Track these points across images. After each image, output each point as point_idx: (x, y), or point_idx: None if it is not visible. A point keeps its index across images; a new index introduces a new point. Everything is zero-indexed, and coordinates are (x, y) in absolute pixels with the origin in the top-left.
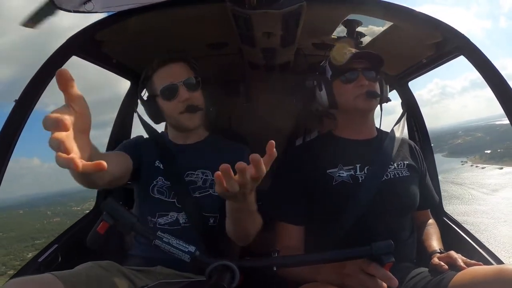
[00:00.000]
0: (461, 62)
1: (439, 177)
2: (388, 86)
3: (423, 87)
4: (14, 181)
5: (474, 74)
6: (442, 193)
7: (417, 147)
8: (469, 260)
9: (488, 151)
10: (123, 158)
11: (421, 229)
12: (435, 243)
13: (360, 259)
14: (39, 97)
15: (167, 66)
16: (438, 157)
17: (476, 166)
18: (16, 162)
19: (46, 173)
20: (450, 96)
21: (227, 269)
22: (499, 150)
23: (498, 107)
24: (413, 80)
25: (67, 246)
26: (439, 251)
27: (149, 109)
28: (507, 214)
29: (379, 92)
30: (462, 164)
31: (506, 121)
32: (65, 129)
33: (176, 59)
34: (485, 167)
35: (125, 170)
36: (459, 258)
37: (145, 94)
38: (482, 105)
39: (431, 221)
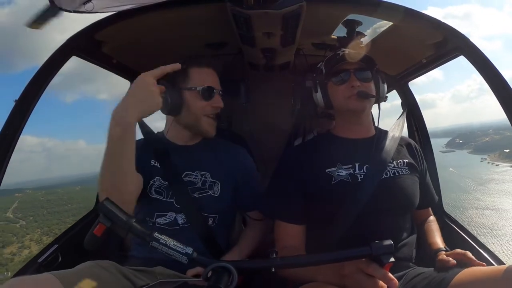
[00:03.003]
0: (497, 59)
1: (453, 170)
2: (386, 85)
3: (461, 83)
4: (61, 162)
5: None
6: (450, 184)
7: (417, 146)
8: (475, 259)
9: (507, 150)
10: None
11: (422, 227)
12: (439, 241)
13: (359, 259)
14: (40, 97)
15: (208, 69)
16: (463, 153)
17: (492, 163)
18: (62, 144)
19: (90, 154)
20: (488, 91)
21: (225, 270)
22: None
23: None
24: (454, 74)
25: (67, 246)
26: (444, 249)
27: (172, 98)
28: (483, 200)
29: (373, 92)
30: (481, 161)
31: None
32: None
33: (213, 66)
34: (499, 165)
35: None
36: (467, 253)
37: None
38: None
39: (431, 217)
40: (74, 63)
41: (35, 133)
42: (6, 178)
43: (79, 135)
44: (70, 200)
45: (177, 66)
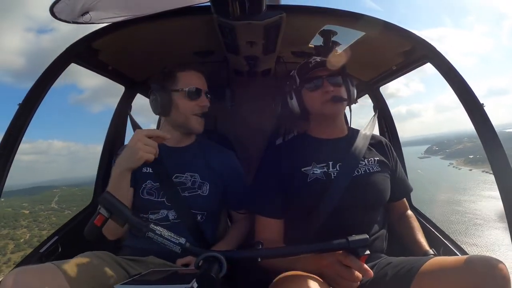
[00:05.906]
0: (476, 71)
1: (420, 172)
2: (355, 89)
3: (442, 94)
4: (83, 163)
5: (489, 83)
6: (417, 183)
7: (388, 143)
8: None
9: (471, 156)
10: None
11: (403, 222)
12: (425, 242)
13: (337, 251)
14: (41, 101)
15: (194, 72)
16: (436, 159)
17: (456, 167)
18: (86, 147)
19: None
20: None
21: (215, 259)
22: (478, 156)
23: None
24: (435, 87)
25: (66, 238)
26: (433, 253)
27: (162, 99)
28: (432, 195)
29: (345, 96)
30: (448, 166)
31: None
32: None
33: (200, 70)
34: (461, 169)
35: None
36: None
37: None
38: (500, 112)
39: (410, 213)
40: (101, 81)
41: (62, 138)
42: (37, 177)
43: (100, 140)
44: None
45: (166, 136)
